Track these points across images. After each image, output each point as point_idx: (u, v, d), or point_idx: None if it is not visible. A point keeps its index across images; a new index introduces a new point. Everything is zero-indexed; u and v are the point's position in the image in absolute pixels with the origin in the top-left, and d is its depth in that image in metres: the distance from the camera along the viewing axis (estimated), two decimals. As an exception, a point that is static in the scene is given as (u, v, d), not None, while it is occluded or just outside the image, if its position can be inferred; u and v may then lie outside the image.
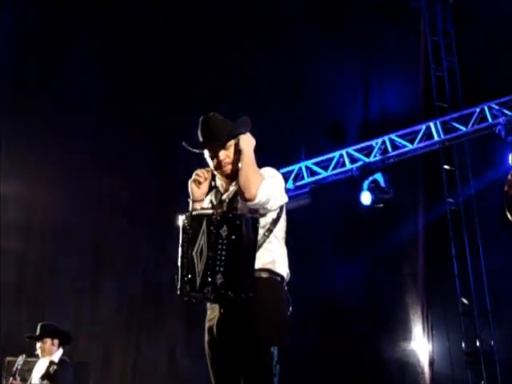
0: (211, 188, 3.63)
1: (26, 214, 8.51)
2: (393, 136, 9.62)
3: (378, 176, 9.57)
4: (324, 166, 9.94)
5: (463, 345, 10.27)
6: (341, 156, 9.83)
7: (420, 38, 10.99)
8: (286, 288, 3.42)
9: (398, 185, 9.81)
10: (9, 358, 7.39)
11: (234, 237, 3.15)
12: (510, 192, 3.08)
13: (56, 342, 6.50)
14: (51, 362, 6.37)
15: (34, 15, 8.87)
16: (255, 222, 3.23)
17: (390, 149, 9.56)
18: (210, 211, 3.31)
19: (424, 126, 9.46)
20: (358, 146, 9.84)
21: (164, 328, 9.19)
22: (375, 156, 9.61)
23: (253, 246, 3.20)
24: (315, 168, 9.96)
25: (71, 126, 9.07)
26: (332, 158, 9.88)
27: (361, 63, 11.40)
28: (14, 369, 6.25)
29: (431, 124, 9.43)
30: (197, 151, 3.55)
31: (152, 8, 9.54)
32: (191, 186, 3.53)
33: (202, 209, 3.46)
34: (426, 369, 10.56)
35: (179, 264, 3.28)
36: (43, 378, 6.28)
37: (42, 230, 8.62)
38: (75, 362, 7.58)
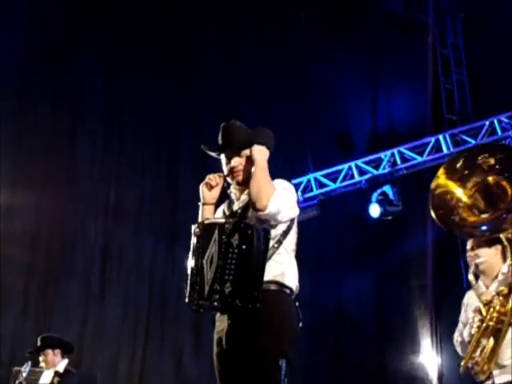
0: (225, 197, 3.65)
1: (33, 222, 8.50)
2: (402, 148, 9.62)
3: (387, 188, 9.56)
4: (333, 178, 9.95)
5: (472, 358, 10.16)
6: (349, 168, 9.83)
7: (428, 50, 10.98)
8: (296, 303, 3.41)
9: (406, 197, 9.79)
10: (16, 368, 7.36)
11: (244, 246, 3.16)
12: (434, 192, 3.13)
13: (58, 352, 6.48)
14: (56, 373, 6.36)
15: (35, 16, 8.86)
16: (266, 233, 3.24)
17: (398, 161, 9.56)
18: (223, 220, 3.35)
19: (433, 139, 9.46)
20: (367, 159, 9.84)
21: (171, 337, 9.15)
22: (384, 168, 9.61)
23: (263, 257, 3.20)
24: (324, 180, 9.96)
25: (77, 134, 9.08)
26: (341, 170, 9.88)
27: (369, 75, 11.40)
28: (20, 375, 6.22)
29: (440, 137, 9.43)
30: (214, 155, 3.61)
31: (152, 8, 9.55)
32: (202, 188, 3.58)
33: (215, 218, 3.49)
34: (435, 382, 10.48)
35: (189, 272, 3.29)
36: (48, 388, 6.26)
37: (49, 238, 8.61)
38: (83, 371, 7.57)
